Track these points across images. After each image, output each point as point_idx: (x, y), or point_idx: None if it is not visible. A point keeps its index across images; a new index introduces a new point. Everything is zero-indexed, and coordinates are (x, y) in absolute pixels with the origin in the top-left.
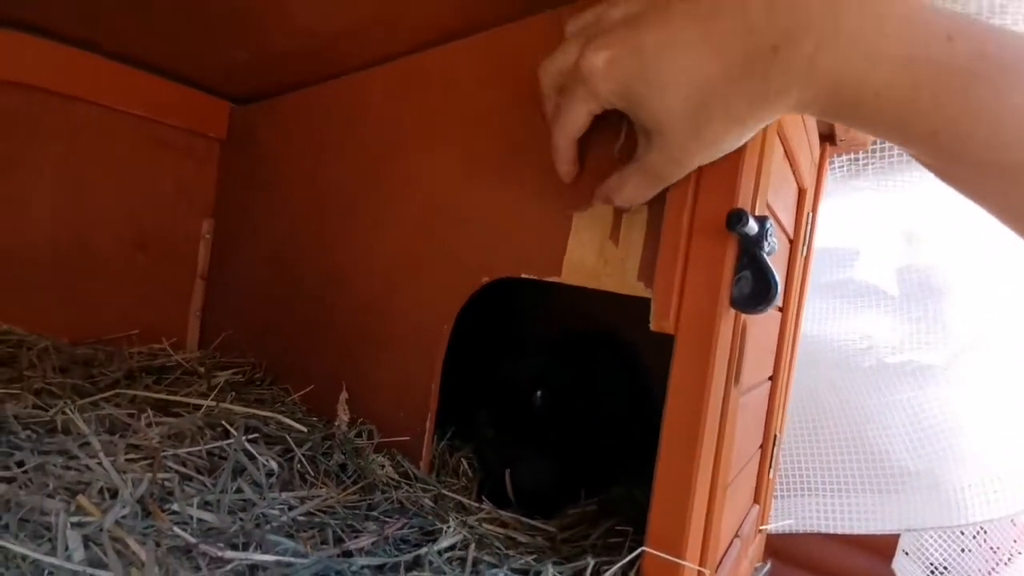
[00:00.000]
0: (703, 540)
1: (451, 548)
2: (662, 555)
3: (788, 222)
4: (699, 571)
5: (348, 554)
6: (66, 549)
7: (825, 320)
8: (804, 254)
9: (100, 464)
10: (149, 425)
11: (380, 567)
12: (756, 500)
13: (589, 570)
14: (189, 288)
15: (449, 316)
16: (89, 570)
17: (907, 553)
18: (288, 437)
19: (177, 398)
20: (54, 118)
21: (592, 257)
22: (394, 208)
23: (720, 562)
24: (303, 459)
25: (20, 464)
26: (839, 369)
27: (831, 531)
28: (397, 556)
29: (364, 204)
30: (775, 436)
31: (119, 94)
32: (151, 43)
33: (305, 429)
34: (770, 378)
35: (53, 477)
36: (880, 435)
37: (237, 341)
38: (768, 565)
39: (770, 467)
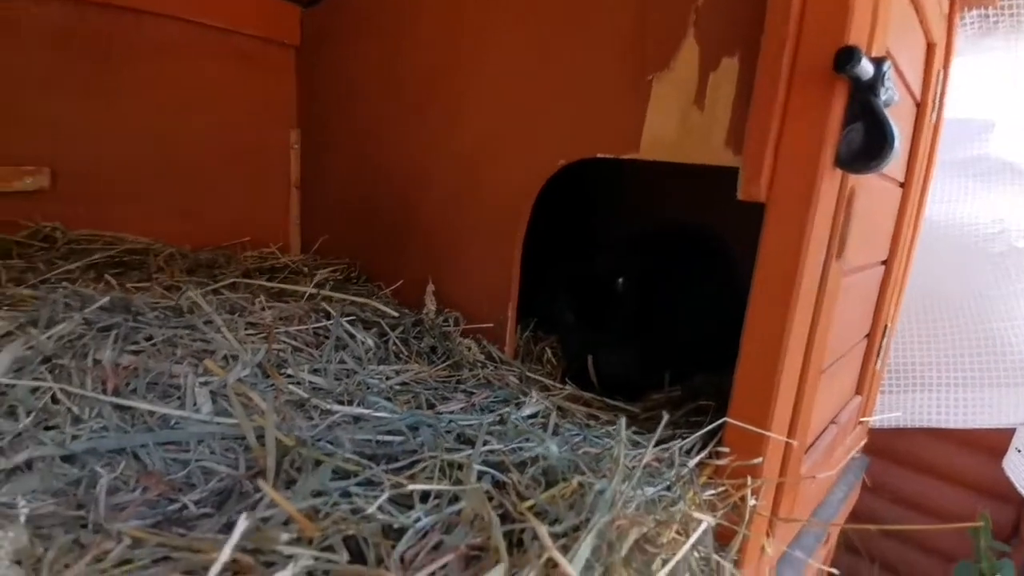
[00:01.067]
0: (792, 417)
1: (534, 415)
2: (744, 425)
3: (914, 80)
4: (787, 442)
5: (440, 416)
6: (195, 404)
7: (953, 200)
8: (933, 120)
9: (223, 335)
10: (263, 309)
11: (471, 423)
12: (859, 391)
13: (661, 425)
14: (286, 197)
15: (527, 200)
16: (216, 419)
17: (1020, 451)
18: (382, 322)
19: (286, 286)
20: (144, 38)
21: (673, 127)
22: (469, 97)
23: (812, 444)
24: (397, 341)
25: (149, 339)
26: (965, 254)
27: (943, 426)
28: (483, 417)
29: (439, 95)
30: (885, 326)
31: (198, 8)
32: None
33: (396, 315)
34: (884, 262)
35: (180, 347)
36: (1005, 326)
37: (333, 244)
38: (866, 458)
39: (877, 358)
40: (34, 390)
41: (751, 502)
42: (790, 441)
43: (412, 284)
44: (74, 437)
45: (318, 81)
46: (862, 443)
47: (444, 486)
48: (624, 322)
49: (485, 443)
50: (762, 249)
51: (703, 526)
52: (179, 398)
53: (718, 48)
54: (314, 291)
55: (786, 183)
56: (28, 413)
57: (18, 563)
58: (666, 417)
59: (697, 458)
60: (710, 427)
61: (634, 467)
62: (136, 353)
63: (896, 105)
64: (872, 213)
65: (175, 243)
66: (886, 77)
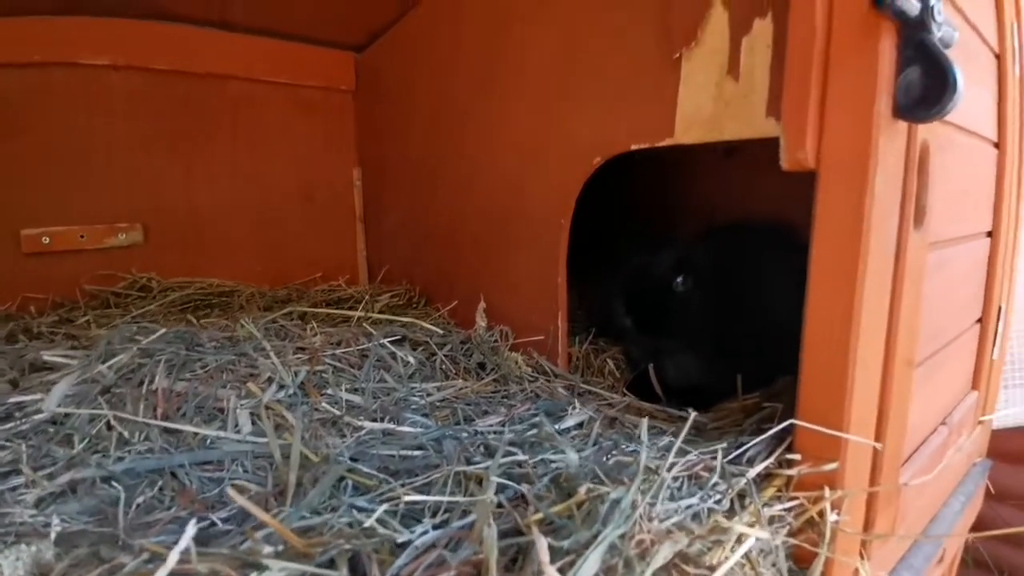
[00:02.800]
0: (879, 417)
1: (576, 427)
2: (814, 427)
3: (987, 30)
4: (873, 446)
5: (478, 432)
6: (236, 425)
7: None
8: (1017, 73)
9: (270, 360)
10: (315, 334)
11: (498, 433)
12: (975, 386)
13: (687, 426)
14: (352, 231)
15: (567, 205)
16: (251, 438)
17: None
18: (431, 341)
19: (337, 311)
20: (222, 98)
21: (709, 102)
22: (507, 106)
23: (917, 450)
24: (444, 358)
25: (204, 366)
26: None
27: None
28: (517, 429)
29: (480, 110)
30: (1000, 307)
31: (263, 66)
32: (276, 11)
33: (442, 332)
34: (989, 233)
35: (229, 372)
36: None
37: (396, 272)
38: (986, 462)
39: (994, 346)
40: (91, 419)
41: (831, 517)
42: (875, 445)
43: (465, 303)
44: (118, 459)
45: (374, 120)
46: (982, 446)
47: (448, 498)
48: (687, 325)
49: (510, 454)
50: (817, 222)
51: (749, 541)
52: (222, 420)
53: (748, 10)
54: (362, 314)
55: (838, 142)
56: (82, 440)
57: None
58: (692, 416)
59: (759, 467)
60: (776, 429)
61: (661, 475)
62: (189, 380)
63: (958, 46)
64: (962, 176)
65: (257, 283)
66: (936, 11)
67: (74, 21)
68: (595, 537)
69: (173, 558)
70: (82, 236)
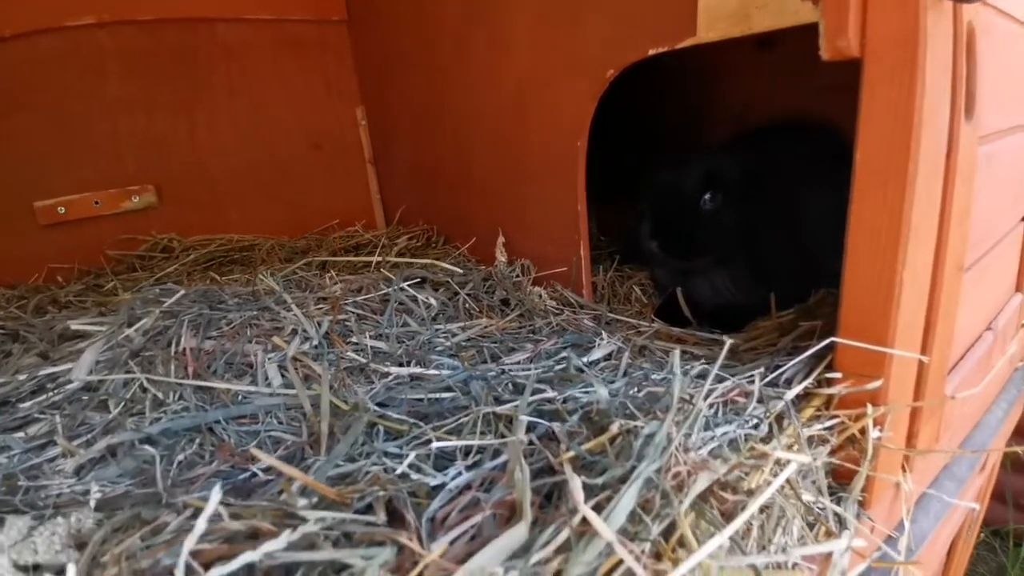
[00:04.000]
0: (926, 328)
1: (605, 358)
2: (856, 343)
3: None
4: (919, 360)
5: (504, 370)
6: (266, 379)
7: None
8: None
9: (292, 312)
10: (334, 283)
11: (525, 371)
12: (1020, 287)
13: (723, 353)
14: (364, 174)
15: (580, 129)
16: (281, 390)
17: None
18: (451, 281)
19: (355, 258)
20: (208, 45)
21: None
22: (505, 19)
23: (962, 357)
24: (466, 297)
25: (229, 323)
26: None
27: None
28: (545, 365)
29: (477, 27)
30: None
31: (247, 2)
32: None
33: (462, 271)
34: None
35: (254, 328)
36: None
37: (412, 212)
38: None
39: None
40: (125, 383)
41: (873, 434)
42: (922, 358)
43: (484, 239)
44: (154, 420)
45: (371, 53)
46: None
47: (478, 441)
48: (717, 244)
49: (538, 392)
50: (863, 116)
51: (791, 466)
52: (252, 375)
53: None
54: (380, 259)
55: (883, 26)
56: (118, 404)
57: (80, 546)
58: (728, 342)
59: (797, 388)
60: (815, 349)
61: (696, 404)
62: (216, 338)
63: None
64: (1008, 61)
65: (276, 234)
66: None
67: None
68: (630, 472)
69: (207, 514)
70: (97, 202)
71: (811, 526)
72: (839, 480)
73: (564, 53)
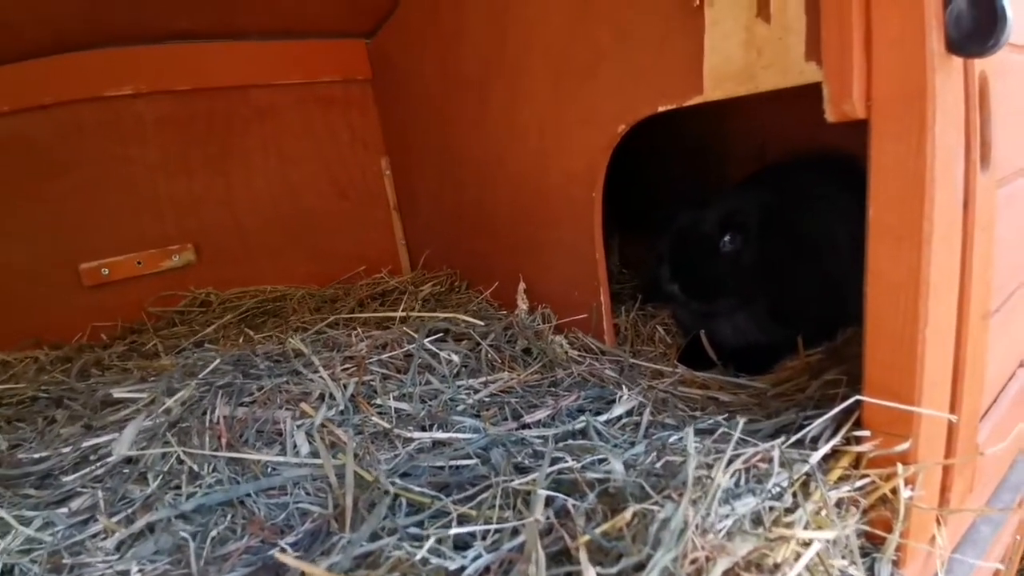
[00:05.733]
0: (953, 382)
1: (627, 414)
2: (883, 403)
3: None
4: (949, 419)
5: (526, 426)
6: (295, 447)
7: None
8: None
9: (320, 376)
10: (360, 340)
11: (546, 437)
12: None
13: (738, 430)
14: (389, 221)
15: (595, 181)
16: (307, 460)
17: None
18: (473, 332)
19: (377, 315)
20: (248, 107)
21: (739, 50)
22: (523, 75)
23: (992, 405)
24: (488, 349)
25: (260, 388)
26: None
27: None
28: (564, 426)
29: (494, 84)
30: None
31: (279, 69)
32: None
33: (482, 323)
34: None
35: (284, 393)
36: None
37: (436, 257)
38: None
39: None
40: (163, 456)
41: (904, 494)
42: (950, 417)
43: (506, 284)
44: (189, 495)
45: (394, 107)
46: None
47: (495, 526)
48: (738, 285)
49: (556, 460)
50: (874, 173)
51: (815, 546)
52: (281, 443)
53: None
54: (403, 315)
55: (889, 87)
56: (156, 478)
57: None
58: (741, 422)
59: (824, 449)
60: (840, 407)
61: (715, 478)
62: (248, 404)
63: None
64: (1021, 97)
65: (306, 283)
66: None
67: (94, 56)
68: (646, 560)
69: None
70: (139, 263)
71: None
72: (872, 541)
73: (579, 107)
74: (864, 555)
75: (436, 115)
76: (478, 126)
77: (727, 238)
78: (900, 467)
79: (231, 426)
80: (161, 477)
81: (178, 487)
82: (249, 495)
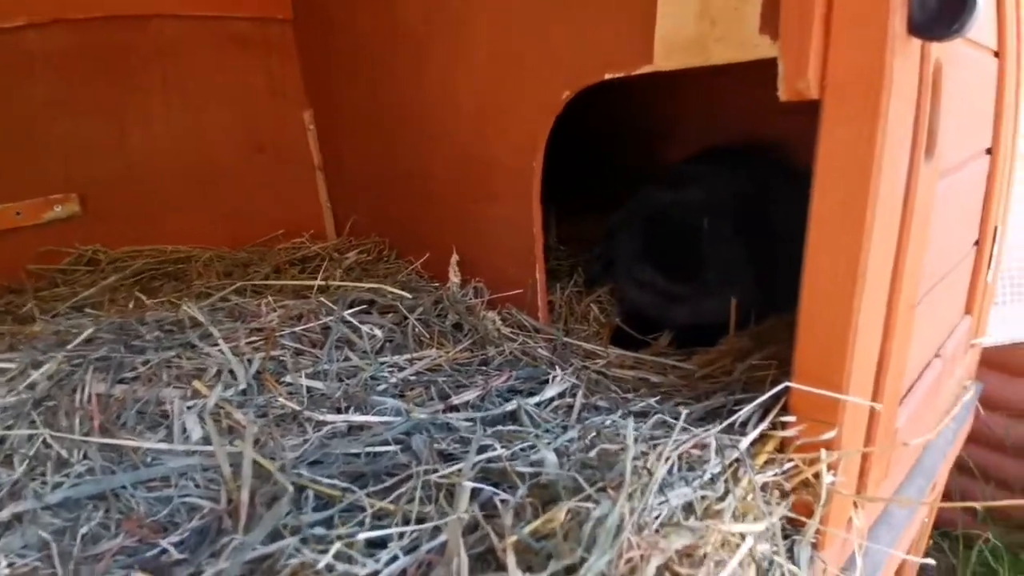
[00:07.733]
0: (878, 370)
1: (559, 396)
2: (811, 389)
3: None
4: (871, 407)
5: (454, 408)
6: (184, 432)
7: None
8: None
9: (219, 350)
10: (271, 310)
11: (474, 420)
12: (968, 310)
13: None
14: (313, 182)
15: (536, 150)
16: (197, 448)
17: None
18: (400, 305)
19: (293, 282)
20: (147, 42)
21: (691, 21)
22: (466, 32)
23: (910, 389)
24: (416, 323)
25: (145, 363)
26: None
27: None
28: (495, 409)
29: (434, 37)
30: (995, 228)
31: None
32: None
33: (411, 295)
34: (988, 150)
35: (174, 369)
36: None
37: (363, 224)
38: (977, 385)
39: (988, 268)
40: (29, 437)
41: (827, 479)
42: (875, 406)
43: (439, 255)
44: (56, 485)
45: (318, 54)
46: (972, 368)
47: (413, 527)
48: (721, 267)
49: (485, 448)
50: (821, 160)
51: (748, 541)
52: (167, 427)
53: None
54: (323, 283)
55: (845, 68)
56: (23, 461)
57: None
58: (683, 413)
59: (753, 434)
60: (769, 393)
61: (654, 471)
62: (128, 381)
63: None
64: (967, 93)
65: (218, 245)
66: None
67: None
68: (579, 564)
69: None
70: (18, 213)
71: (766, 572)
72: (791, 523)
73: (522, 70)
74: (784, 537)
75: (368, 68)
76: (414, 84)
77: (710, 220)
78: (824, 453)
79: (106, 406)
80: (27, 462)
81: (44, 475)
82: (125, 487)
